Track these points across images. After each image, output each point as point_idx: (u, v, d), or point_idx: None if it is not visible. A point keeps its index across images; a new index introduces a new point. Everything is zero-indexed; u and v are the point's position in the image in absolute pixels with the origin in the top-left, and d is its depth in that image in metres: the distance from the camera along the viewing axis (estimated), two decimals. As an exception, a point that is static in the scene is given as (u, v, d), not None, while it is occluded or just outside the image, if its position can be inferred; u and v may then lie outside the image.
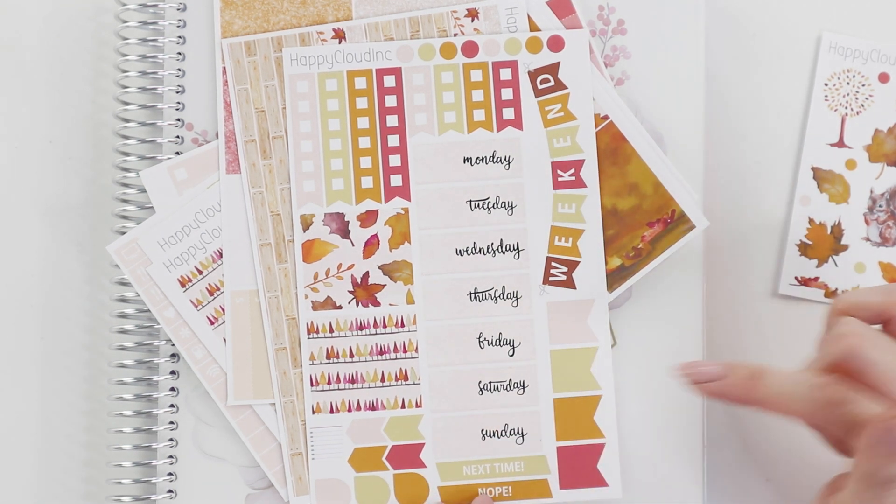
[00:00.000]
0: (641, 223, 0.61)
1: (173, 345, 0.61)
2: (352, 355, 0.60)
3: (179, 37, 0.62)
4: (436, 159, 0.61)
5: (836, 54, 0.64)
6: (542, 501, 0.60)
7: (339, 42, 0.61)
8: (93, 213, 0.64)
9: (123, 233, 0.61)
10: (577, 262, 0.61)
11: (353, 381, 0.60)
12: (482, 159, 0.61)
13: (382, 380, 0.60)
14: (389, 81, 0.61)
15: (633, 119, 0.61)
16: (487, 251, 0.61)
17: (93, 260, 0.64)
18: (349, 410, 0.60)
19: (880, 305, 0.53)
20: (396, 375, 0.60)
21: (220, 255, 0.61)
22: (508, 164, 0.61)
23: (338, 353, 0.60)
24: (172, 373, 0.61)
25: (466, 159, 0.61)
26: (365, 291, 0.61)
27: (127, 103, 0.62)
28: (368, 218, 0.61)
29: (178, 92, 0.62)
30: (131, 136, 0.62)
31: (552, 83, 0.61)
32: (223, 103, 0.61)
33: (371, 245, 0.61)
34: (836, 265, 0.63)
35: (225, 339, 0.60)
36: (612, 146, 0.61)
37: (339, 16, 0.62)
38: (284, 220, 0.61)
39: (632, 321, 0.61)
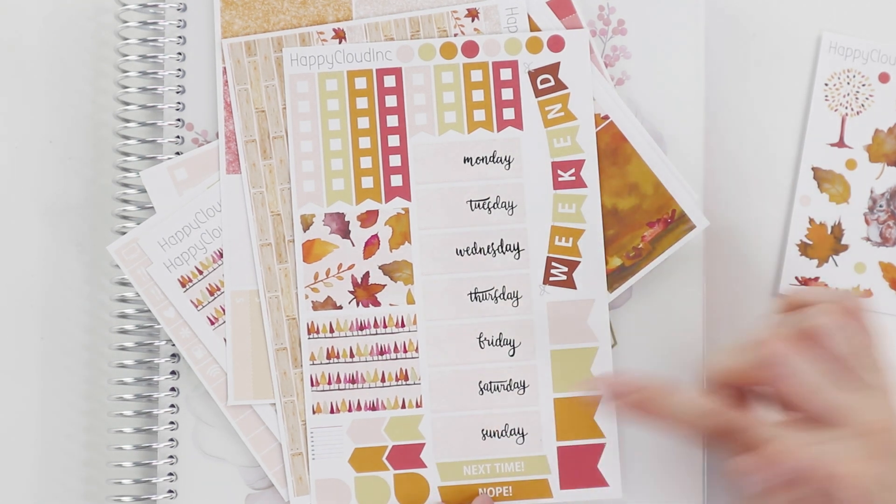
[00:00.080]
0: (641, 223, 0.61)
1: (173, 345, 0.61)
2: (352, 355, 0.60)
3: (179, 37, 0.62)
4: (436, 159, 0.61)
5: (836, 54, 0.64)
6: (543, 501, 0.60)
7: (340, 42, 0.61)
8: (93, 213, 0.64)
9: (124, 233, 0.61)
10: (578, 262, 0.61)
11: (353, 381, 0.60)
12: (482, 159, 0.61)
13: (383, 380, 0.60)
14: (390, 81, 0.61)
15: (633, 119, 0.61)
16: (488, 251, 0.61)
17: (93, 260, 0.64)
18: (349, 410, 0.60)
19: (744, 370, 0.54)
20: (397, 375, 0.60)
21: (221, 255, 0.61)
22: (509, 164, 0.61)
23: (338, 353, 0.60)
24: (173, 373, 0.61)
25: (467, 159, 0.61)
26: (365, 291, 0.61)
27: (127, 103, 0.62)
28: (369, 218, 0.61)
29: (178, 92, 0.62)
30: (131, 136, 0.62)
31: (552, 83, 0.61)
32: (223, 103, 0.61)
33: (371, 245, 0.61)
34: (836, 265, 0.63)
35: (225, 339, 0.60)
36: (613, 146, 0.61)
37: (339, 16, 0.62)
38: (285, 220, 0.61)
39: (632, 321, 0.61)
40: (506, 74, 0.61)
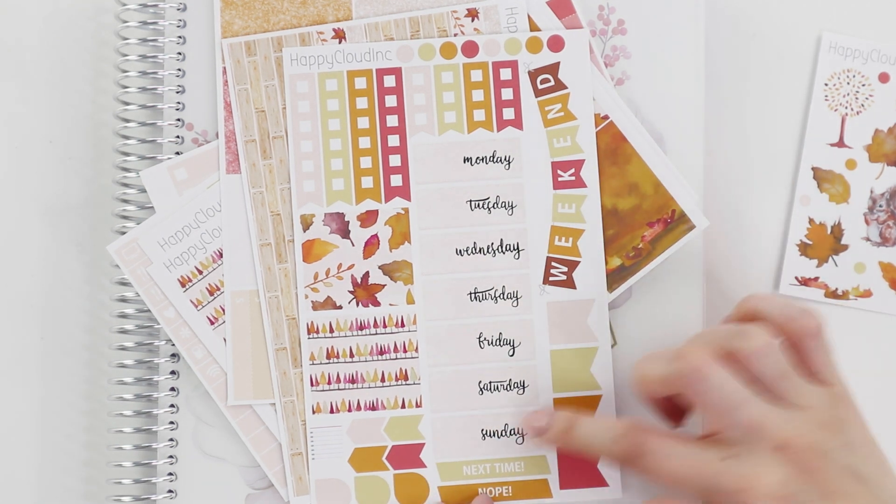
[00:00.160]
0: (641, 223, 0.61)
1: (173, 345, 0.61)
2: (352, 355, 0.60)
3: (179, 37, 0.62)
4: (436, 159, 0.61)
5: (836, 54, 0.64)
6: (542, 501, 0.60)
7: (340, 42, 0.61)
8: (93, 213, 0.64)
9: (123, 233, 0.61)
10: (578, 262, 0.61)
11: (353, 381, 0.60)
12: (482, 159, 0.61)
13: (382, 380, 0.60)
14: (389, 81, 0.61)
15: (633, 119, 0.61)
16: (487, 251, 0.61)
17: (93, 260, 0.64)
18: (349, 410, 0.60)
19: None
20: (396, 375, 0.60)
21: (221, 255, 0.61)
22: (508, 164, 0.61)
23: (338, 353, 0.60)
24: (172, 373, 0.61)
25: (466, 159, 0.61)
26: (365, 291, 0.61)
27: (127, 103, 0.62)
28: (368, 218, 0.61)
29: (178, 92, 0.62)
30: (131, 136, 0.62)
31: (552, 83, 0.61)
32: (223, 103, 0.61)
33: (371, 245, 0.61)
34: (836, 265, 0.63)
35: (225, 339, 0.60)
36: (612, 146, 0.61)
37: (339, 16, 0.62)
38: (284, 220, 0.61)
39: (632, 321, 0.61)
40: (506, 74, 0.61)
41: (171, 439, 0.61)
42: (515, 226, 0.61)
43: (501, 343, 0.60)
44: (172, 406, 0.61)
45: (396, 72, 0.61)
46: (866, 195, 0.63)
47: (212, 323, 0.60)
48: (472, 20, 0.62)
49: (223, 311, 0.61)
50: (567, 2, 0.62)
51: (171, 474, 0.61)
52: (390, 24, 0.62)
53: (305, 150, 0.61)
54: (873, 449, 0.53)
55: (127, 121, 0.62)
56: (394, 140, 0.61)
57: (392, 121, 0.61)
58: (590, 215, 0.61)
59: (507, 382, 0.60)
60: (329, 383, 0.60)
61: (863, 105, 0.64)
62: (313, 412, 0.60)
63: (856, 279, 0.63)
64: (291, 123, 0.61)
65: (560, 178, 0.61)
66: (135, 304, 0.61)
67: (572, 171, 0.61)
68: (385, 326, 0.60)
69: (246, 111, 0.61)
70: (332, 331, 0.60)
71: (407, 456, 0.60)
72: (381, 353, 0.60)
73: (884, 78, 0.64)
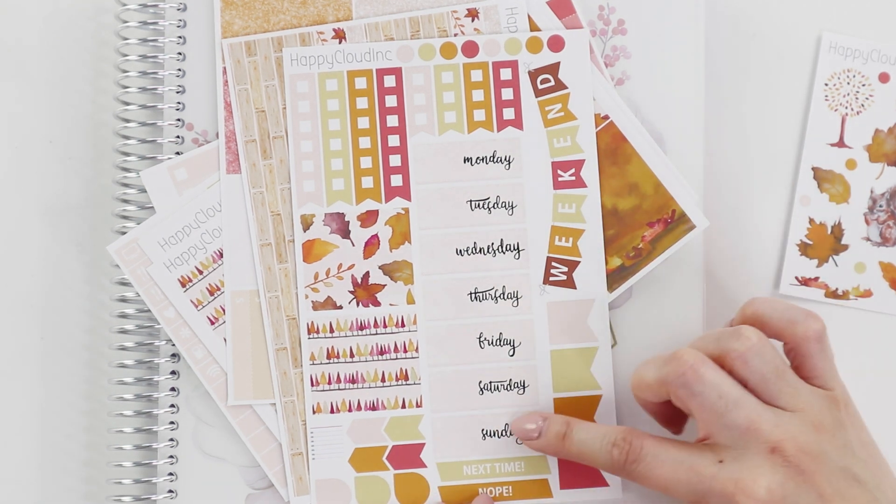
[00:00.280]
0: (641, 223, 0.61)
1: (173, 345, 0.61)
2: (352, 355, 0.60)
3: (180, 37, 0.62)
4: (436, 159, 0.61)
5: (836, 54, 0.64)
6: (543, 501, 0.60)
7: (340, 42, 0.61)
8: (93, 213, 0.64)
9: (124, 233, 0.61)
10: (578, 262, 0.61)
11: (353, 381, 0.60)
12: (482, 159, 0.61)
13: (383, 380, 0.60)
14: (390, 81, 0.61)
15: (634, 119, 0.61)
16: (487, 251, 0.61)
17: (93, 260, 0.64)
18: (349, 410, 0.60)
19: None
20: (397, 375, 0.60)
21: (221, 255, 0.61)
22: (508, 164, 0.61)
23: (338, 353, 0.60)
24: (173, 373, 0.61)
25: (466, 159, 0.61)
26: (365, 291, 0.61)
27: (127, 103, 0.62)
28: (369, 218, 0.61)
29: (178, 92, 0.62)
30: (131, 136, 0.62)
31: (552, 83, 0.61)
32: (223, 103, 0.61)
33: (371, 245, 0.61)
34: (836, 265, 0.63)
35: (225, 339, 0.60)
36: (613, 146, 0.61)
37: (339, 16, 0.62)
38: (285, 220, 0.61)
39: (632, 321, 0.61)
40: (506, 74, 0.61)
41: (172, 439, 0.61)
42: (515, 226, 0.61)
43: (501, 343, 0.60)
44: (172, 406, 0.61)
45: (396, 72, 0.61)
46: (866, 195, 0.63)
47: (212, 323, 0.60)
48: (473, 20, 0.62)
49: (223, 311, 0.61)
50: (567, 2, 0.62)
51: (171, 474, 0.61)
52: (390, 24, 0.62)
53: (305, 150, 0.61)
54: (872, 452, 0.52)
55: (127, 121, 0.62)
56: (394, 140, 0.61)
57: (392, 121, 0.61)
58: (590, 215, 0.61)
59: (508, 382, 0.60)
60: (329, 383, 0.60)
61: (863, 105, 0.64)
62: (313, 412, 0.60)
63: (856, 279, 0.63)
64: (291, 123, 0.61)
65: (560, 178, 0.61)
66: (135, 304, 0.61)
67: (572, 171, 0.61)
68: (385, 326, 0.60)
69: (246, 111, 0.61)
70: (332, 331, 0.60)
71: (407, 456, 0.60)
72: (382, 353, 0.60)
73: (884, 78, 0.64)
